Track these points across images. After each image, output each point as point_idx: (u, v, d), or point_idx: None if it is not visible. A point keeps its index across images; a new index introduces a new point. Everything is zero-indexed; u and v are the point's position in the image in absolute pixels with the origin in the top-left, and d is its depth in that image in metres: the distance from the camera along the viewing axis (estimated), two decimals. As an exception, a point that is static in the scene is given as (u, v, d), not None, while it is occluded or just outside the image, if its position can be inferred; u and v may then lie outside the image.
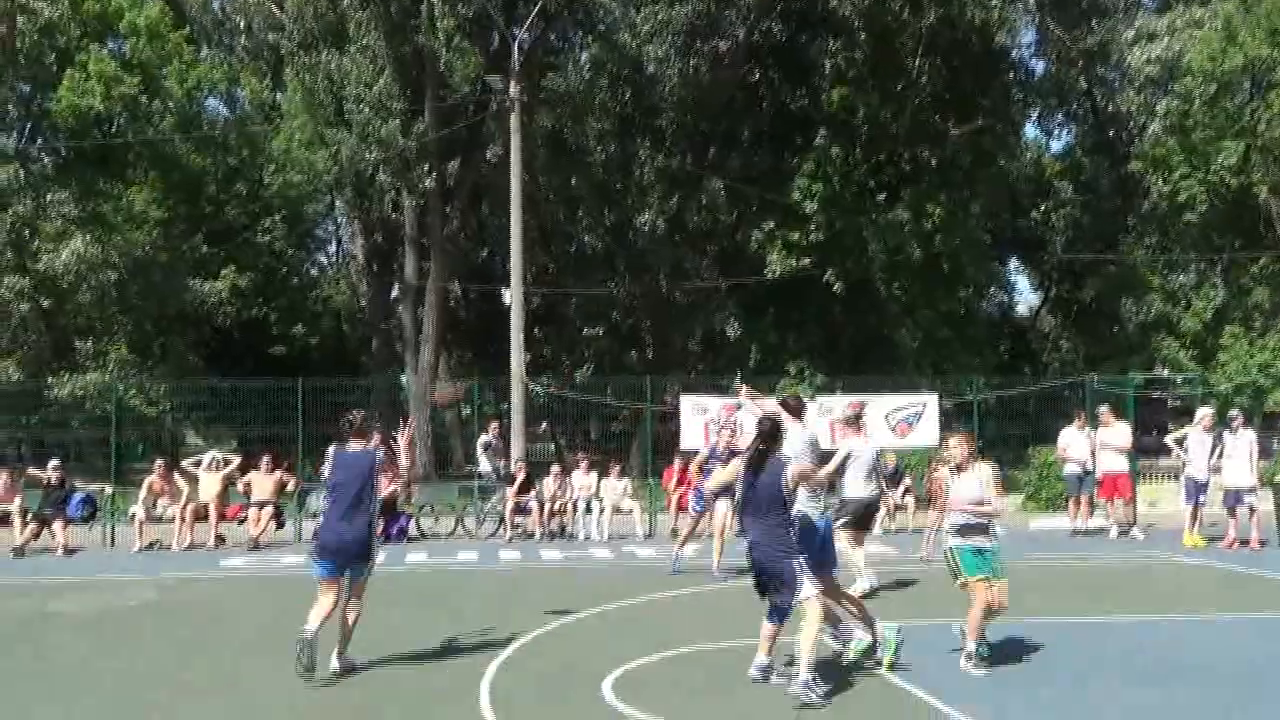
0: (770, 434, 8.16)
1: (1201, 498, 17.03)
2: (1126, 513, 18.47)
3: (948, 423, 20.91)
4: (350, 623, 8.87)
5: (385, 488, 18.42)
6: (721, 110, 32.49)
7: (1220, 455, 16.77)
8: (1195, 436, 17.01)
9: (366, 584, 9.11)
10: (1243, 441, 16.64)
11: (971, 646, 8.58)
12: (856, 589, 11.71)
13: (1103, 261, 39.68)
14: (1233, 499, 16.60)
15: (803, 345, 31.78)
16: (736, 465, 8.36)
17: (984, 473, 8.76)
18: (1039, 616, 10.69)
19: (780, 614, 8.07)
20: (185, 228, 35.06)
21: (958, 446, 8.88)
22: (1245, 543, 16.31)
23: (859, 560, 12.12)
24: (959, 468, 8.80)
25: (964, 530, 8.65)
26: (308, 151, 34.67)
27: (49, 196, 31.49)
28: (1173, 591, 12.74)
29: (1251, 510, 16.51)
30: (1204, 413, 17.58)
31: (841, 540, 11.87)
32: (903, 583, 13.17)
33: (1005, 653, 9.20)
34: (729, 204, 33.84)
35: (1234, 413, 17.78)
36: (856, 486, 12.13)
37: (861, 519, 12.41)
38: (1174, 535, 17.20)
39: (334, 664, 8.73)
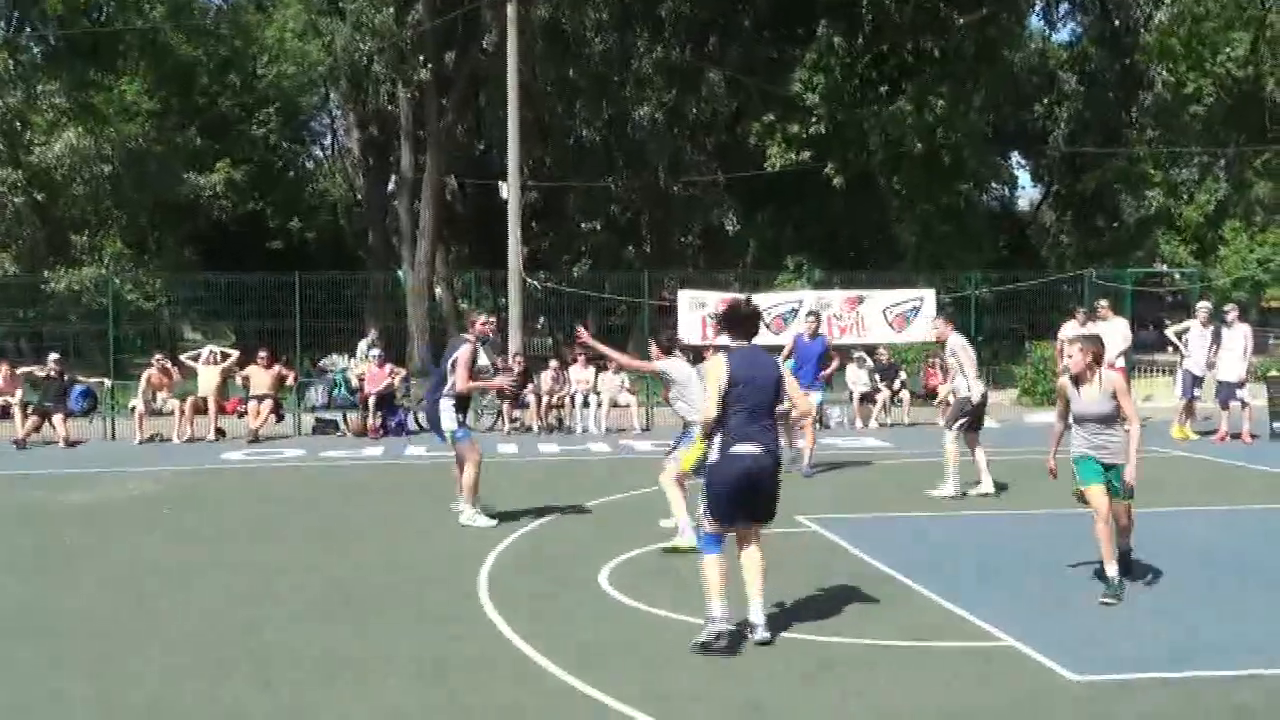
0: (739, 318, 6.71)
1: (1196, 391, 17.15)
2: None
3: (947, 317, 20.89)
4: (460, 478, 10.39)
5: (380, 381, 18.65)
6: (722, -1, 31.89)
7: (1217, 349, 16.85)
8: (1196, 330, 17.06)
9: (467, 448, 10.31)
10: (1236, 335, 16.70)
11: (1111, 571, 7.41)
12: (945, 491, 11.53)
13: (1105, 155, 39.32)
14: (1225, 392, 16.71)
15: (801, 240, 31.64)
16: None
17: (1111, 384, 7.57)
18: (1027, 509, 10.84)
19: (723, 543, 6.58)
20: (178, 120, 34.71)
21: (1079, 354, 7.62)
22: (1237, 436, 16.45)
23: (954, 462, 11.64)
24: (1077, 379, 7.63)
25: (1091, 446, 7.54)
26: (301, 41, 34.14)
27: (39, 87, 31.08)
28: (1162, 483, 12.85)
29: (1243, 404, 16.62)
30: (1204, 307, 17.61)
31: (951, 442, 11.61)
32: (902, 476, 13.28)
33: (989, 543, 9.34)
34: (729, 96, 33.38)
35: (1229, 306, 17.83)
36: (966, 385, 11.71)
37: (977, 419, 11.90)
38: (1168, 429, 17.34)
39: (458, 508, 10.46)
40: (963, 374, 11.70)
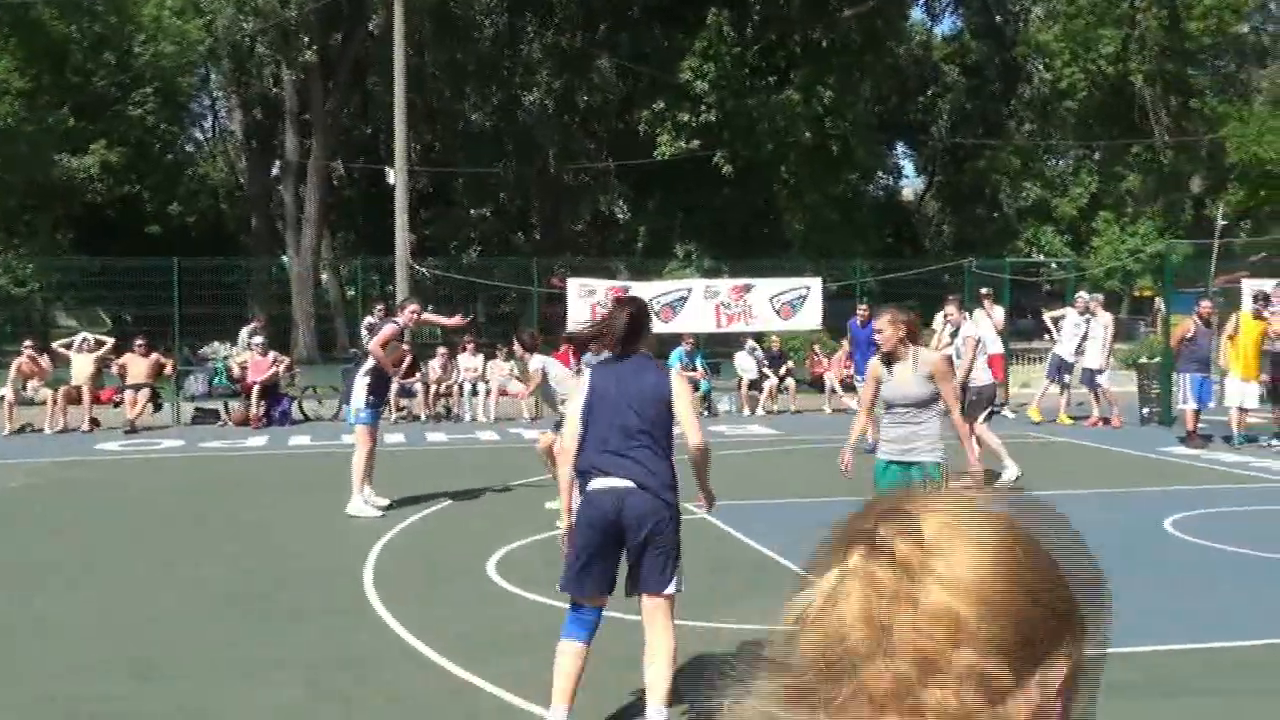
0: (634, 325, 4.99)
1: (1066, 377, 17.74)
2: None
3: (830, 305, 21.29)
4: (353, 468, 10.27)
5: (264, 370, 18.26)
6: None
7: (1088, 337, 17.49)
8: (1071, 317, 17.65)
9: (362, 432, 10.25)
10: (1098, 324, 17.35)
11: None
12: (1009, 474, 11.45)
13: (985, 147, 40.33)
14: (1088, 379, 17.38)
15: (691, 228, 31.83)
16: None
17: (929, 364, 6.44)
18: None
19: (590, 626, 4.90)
20: (51, 99, 33.44)
21: (889, 328, 6.40)
22: (1107, 420, 17.07)
23: (1001, 445, 11.71)
24: (889, 358, 6.45)
25: (892, 440, 6.50)
26: (180, 20, 33.17)
27: (-101, 64, 29.71)
28: (1035, 467, 13.24)
29: (1104, 390, 17.28)
30: (1081, 296, 18.26)
31: (986, 433, 11.53)
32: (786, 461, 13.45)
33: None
34: (619, 83, 33.42)
35: (1094, 296, 18.55)
36: (983, 373, 11.79)
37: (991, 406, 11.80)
38: (1043, 414, 17.86)
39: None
40: (981, 363, 11.78)
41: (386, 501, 10.43)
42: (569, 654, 4.76)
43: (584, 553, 4.75)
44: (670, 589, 4.80)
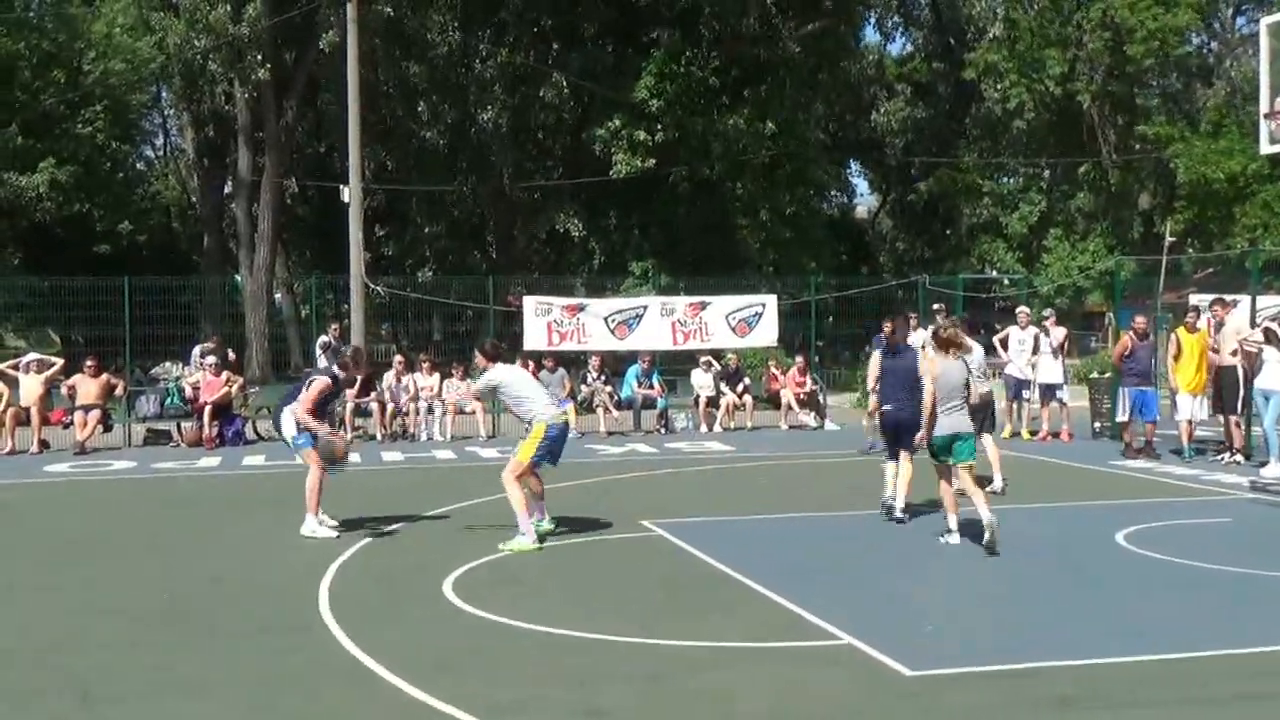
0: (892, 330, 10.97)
1: (1026, 393, 17.82)
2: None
3: (785, 321, 21.42)
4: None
5: (216, 389, 18.06)
6: (565, 3, 31.93)
7: (1038, 352, 17.59)
8: (1015, 335, 17.73)
9: (309, 455, 10.04)
10: (1051, 340, 17.50)
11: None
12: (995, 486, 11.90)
13: (938, 165, 40.73)
14: (1045, 393, 17.50)
15: (646, 245, 31.90)
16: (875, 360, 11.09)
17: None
18: (862, 510, 11.12)
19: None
20: (-3, 117, 32.99)
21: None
22: (1057, 435, 17.23)
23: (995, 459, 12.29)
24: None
25: None
26: (131, 37, 32.85)
27: None
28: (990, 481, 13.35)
29: (1061, 404, 17.42)
30: (1022, 311, 18.38)
31: (989, 443, 12.10)
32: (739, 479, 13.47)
33: (830, 543, 9.59)
34: (573, 102, 33.45)
35: (1046, 312, 18.69)
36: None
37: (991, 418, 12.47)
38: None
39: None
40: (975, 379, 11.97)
41: (338, 522, 10.33)
42: (891, 468, 10.50)
43: (884, 430, 10.61)
44: (913, 449, 10.20)
